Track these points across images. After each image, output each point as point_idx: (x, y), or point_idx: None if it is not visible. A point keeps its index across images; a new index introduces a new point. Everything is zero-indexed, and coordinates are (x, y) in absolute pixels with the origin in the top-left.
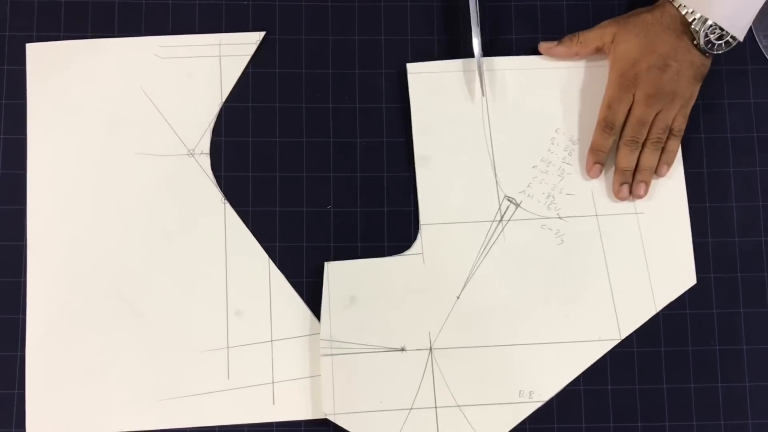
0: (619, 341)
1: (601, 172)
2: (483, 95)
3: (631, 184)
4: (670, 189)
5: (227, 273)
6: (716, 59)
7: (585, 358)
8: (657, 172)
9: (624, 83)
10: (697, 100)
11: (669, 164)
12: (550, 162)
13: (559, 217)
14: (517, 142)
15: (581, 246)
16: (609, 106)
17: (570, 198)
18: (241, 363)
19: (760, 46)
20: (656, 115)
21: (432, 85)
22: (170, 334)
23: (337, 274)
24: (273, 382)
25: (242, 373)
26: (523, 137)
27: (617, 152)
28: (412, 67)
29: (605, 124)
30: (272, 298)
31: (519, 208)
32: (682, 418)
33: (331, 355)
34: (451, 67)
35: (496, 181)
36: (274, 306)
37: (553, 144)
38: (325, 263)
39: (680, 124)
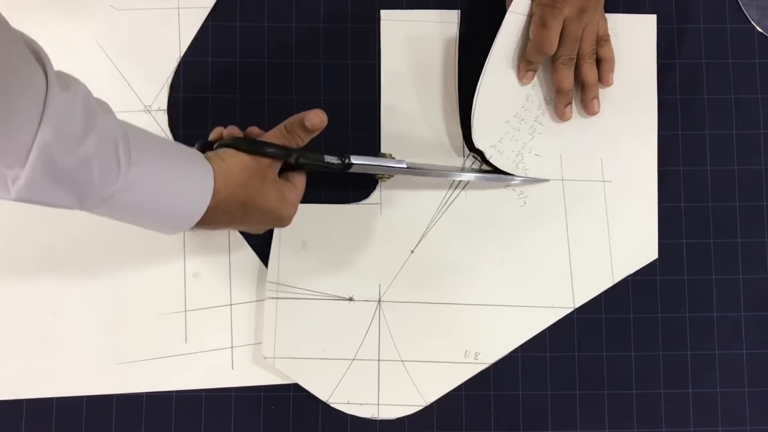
0: (572, 310)
1: (533, 77)
2: None
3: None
4: (642, 160)
5: (185, 234)
6: (695, 18)
7: (536, 323)
8: (604, 82)
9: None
10: (674, 59)
11: (613, 71)
12: (522, 119)
13: (525, 178)
14: (491, 96)
15: (543, 210)
16: (543, 24)
17: (538, 159)
18: (199, 327)
19: (740, 3)
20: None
21: (405, 34)
22: (126, 296)
23: None
24: (232, 347)
25: (200, 337)
26: (498, 91)
27: (554, 74)
28: (385, 14)
29: (541, 48)
30: (231, 261)
31: (485, 165)
32: (650, 387)
33: (276, 298)
34: (427, 17)
35: (464, 136)
36: (234, 269)
37: (527, 101)
38: None
39: (605, 28)
